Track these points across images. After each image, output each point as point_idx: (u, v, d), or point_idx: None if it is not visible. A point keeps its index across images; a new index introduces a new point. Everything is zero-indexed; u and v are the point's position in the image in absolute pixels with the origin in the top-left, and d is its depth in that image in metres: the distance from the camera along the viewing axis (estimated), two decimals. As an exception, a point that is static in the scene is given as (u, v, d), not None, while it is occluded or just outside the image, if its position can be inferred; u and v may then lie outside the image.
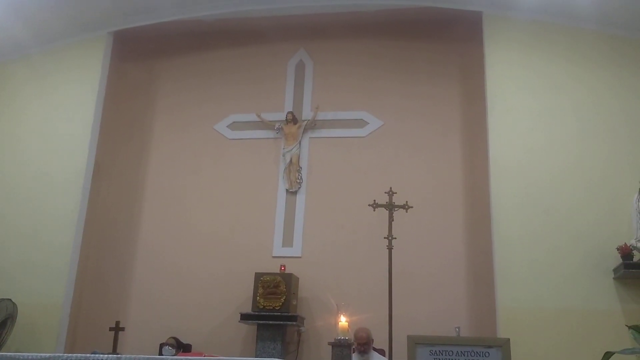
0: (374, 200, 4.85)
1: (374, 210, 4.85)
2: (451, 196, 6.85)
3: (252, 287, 6.43)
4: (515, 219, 5.91)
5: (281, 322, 6.31)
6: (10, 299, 6.03)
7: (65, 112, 7.03)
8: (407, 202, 4.79)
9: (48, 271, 6.34)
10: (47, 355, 3.79)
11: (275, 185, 7.26)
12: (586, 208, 5.83)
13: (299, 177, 7.24)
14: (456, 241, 6.68)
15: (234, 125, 7.59)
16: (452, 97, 7.18)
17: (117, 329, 4.95)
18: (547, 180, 5.99)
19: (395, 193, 4.85)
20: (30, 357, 3.70)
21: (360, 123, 7.31)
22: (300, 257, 6.92)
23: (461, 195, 6.85)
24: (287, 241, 7.04)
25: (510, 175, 6.06)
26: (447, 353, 3.73)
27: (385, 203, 4.82)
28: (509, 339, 3.76)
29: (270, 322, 6.29)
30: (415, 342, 3.82)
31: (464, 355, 3.71)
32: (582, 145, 6.05)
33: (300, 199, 7.17)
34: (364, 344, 5.88)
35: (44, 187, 6.72)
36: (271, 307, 6.32)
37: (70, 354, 3.92)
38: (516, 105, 6.29)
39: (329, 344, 3.92)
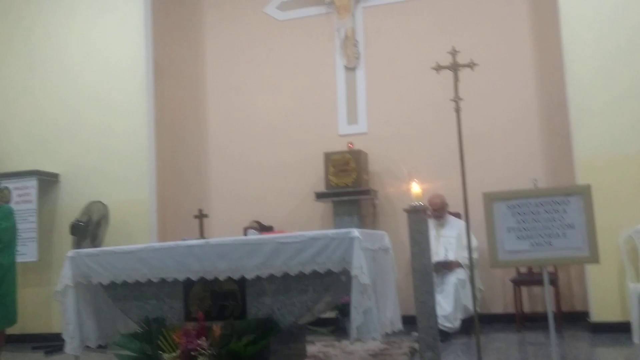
0: (437, 63, 4.61)
1: (438, 73, 4.64)
2: (518, 48, 6.49)
3: (323, 167, 6.55)
4: (588, 63, 5.52)
5: (355, 197, 6.48)
6: (100, 201, 6.45)
7: (116, 15, 6.95)
8: (471, 59, 4.52)
9: (130, 170, 6.61)
10: (142, 246, 4.11)
11: (332, 63, 7.11)
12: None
13: (356, 51, 7.02)
14: (527, 94, 6.42)
15: (283, 6, 7.34)
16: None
17: (201, 216, 5.22)
18: (621, 18, 5.48)
19: (459, 52, 4.59)
20: (128, 249, 4.03)
21: (414, -17, 6.87)
22: (366, 133, 6.90)
23: (529, 45, 6.47)
24: (352, 118, 7.01)
25: (582, 17, 5.59)
26: (525, 206, 3.64)
27: (448, 64, 4.58)
28: (589, 185, 3.62)
29: (345, 198, 6.46)
30: (491, 199, 3.75)
31: (543, 206, 3.60)
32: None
33: (360, 73, 7.02)
34: (439, 209, 5.97)
35: (113, 91, 6.78)
36: (344, 184, 6.46)
37: (162, 243, 4.21)
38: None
39: (405, 210, 3.95)
